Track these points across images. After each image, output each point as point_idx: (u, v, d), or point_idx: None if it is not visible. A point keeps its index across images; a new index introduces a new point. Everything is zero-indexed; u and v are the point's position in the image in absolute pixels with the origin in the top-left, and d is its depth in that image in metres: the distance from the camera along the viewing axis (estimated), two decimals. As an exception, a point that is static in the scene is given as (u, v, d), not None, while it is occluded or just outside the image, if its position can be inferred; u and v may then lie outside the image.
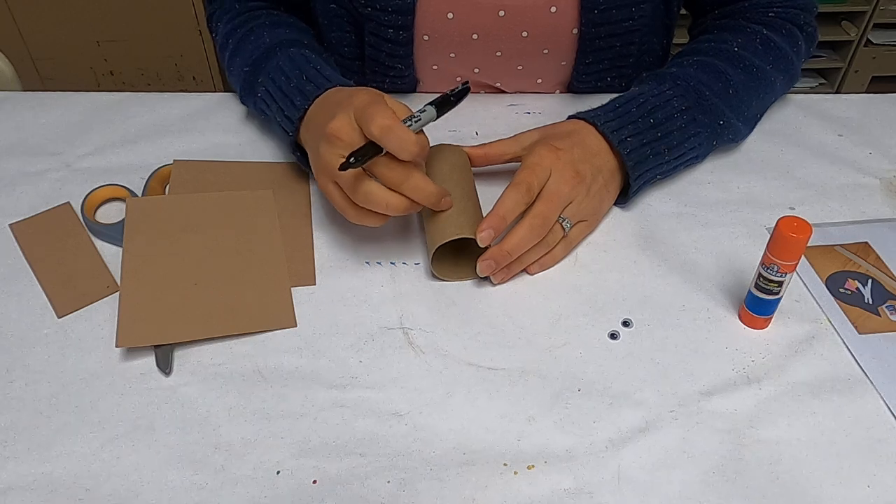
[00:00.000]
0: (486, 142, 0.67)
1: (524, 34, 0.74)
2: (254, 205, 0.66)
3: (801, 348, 0.57)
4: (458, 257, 0.62)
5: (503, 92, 0.82)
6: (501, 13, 0.72)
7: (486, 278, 0.61)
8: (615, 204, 0.68)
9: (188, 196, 0.67)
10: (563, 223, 0.60)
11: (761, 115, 0.76)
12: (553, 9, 0.71)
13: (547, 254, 0.61)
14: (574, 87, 0.81)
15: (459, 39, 0.74)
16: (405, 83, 0.79)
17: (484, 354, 0.56)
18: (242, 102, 0.75)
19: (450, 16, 0.72)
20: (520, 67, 0.78)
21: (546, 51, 0.76)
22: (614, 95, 0.68)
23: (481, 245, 0.58)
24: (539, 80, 0.81)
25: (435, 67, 0.78)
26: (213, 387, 0.54)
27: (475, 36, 0.74)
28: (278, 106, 0.66)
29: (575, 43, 0.75)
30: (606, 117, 0.65)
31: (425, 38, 0.74)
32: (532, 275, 0.62)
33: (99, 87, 1.78)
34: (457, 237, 0.58)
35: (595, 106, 0.67)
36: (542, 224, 0.59)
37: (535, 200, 0.59)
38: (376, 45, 0.74)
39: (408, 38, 0.73)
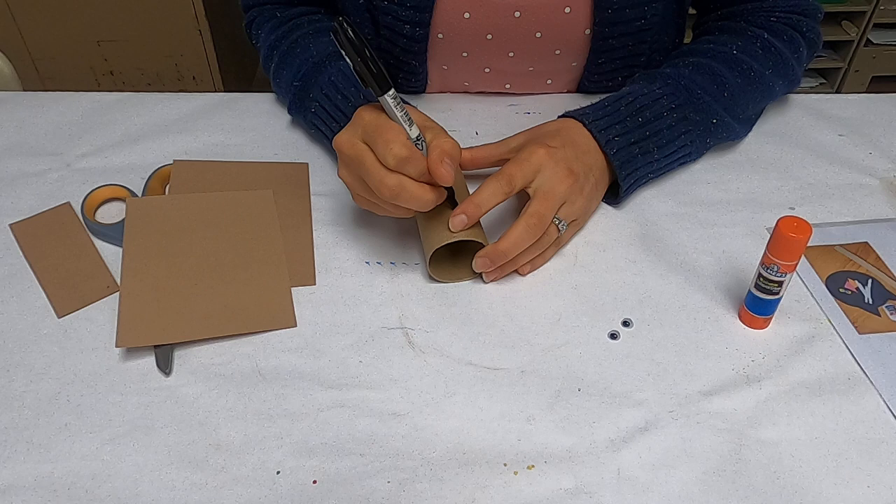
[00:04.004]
0: (485, 142, 0.67)
1: (538, 35, 0.74)
2: (254, 205, 0.66)
3: (801, 348, 0.57)
4: (454, 258, 0.62)
5: (511, 94, 0.82)
6: (517, 14, 0.72)
7: (482, 277, 0.61)
8: (609, 204, 0.68)
9: (188, 196, 0.67)
10: (559, 224, 0.60)
11: (757, 117, 0.76)
12: (567, 9, 0.71)
13: (539, 255, 0.61)
14: (584, 87, 0.81)
15: (474, 39, 0.74)
16: (417, 81, 0.79)
17: (484, 354, 0.56)
18: (290, 113, 0.76)
19: (466, 15, 0.72)
20: (531, 69, 0.78)
21: (558, 51, 0.76)
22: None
23: (453, 230, 0.57)
24: (549, 82, 0.81)
25: (445, 68, 0.78)
26: (213, 387, 0.54)
27: (489, 36, 0.74)
28: (337, 124, 0.67)
29: (587, 43, 0.75)
30: (595, 115, 0.65)
31: (440, 36, 0.74)
32: (523, 275, 0.62)
33: (99, 87, 1.78)
34: (452, 240, 0.58)
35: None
36: (539, 224, 0.58)
37: (531, 200, 0.59)
38: (391, 40, 0.74)
39: (423, 35, 0.73)
